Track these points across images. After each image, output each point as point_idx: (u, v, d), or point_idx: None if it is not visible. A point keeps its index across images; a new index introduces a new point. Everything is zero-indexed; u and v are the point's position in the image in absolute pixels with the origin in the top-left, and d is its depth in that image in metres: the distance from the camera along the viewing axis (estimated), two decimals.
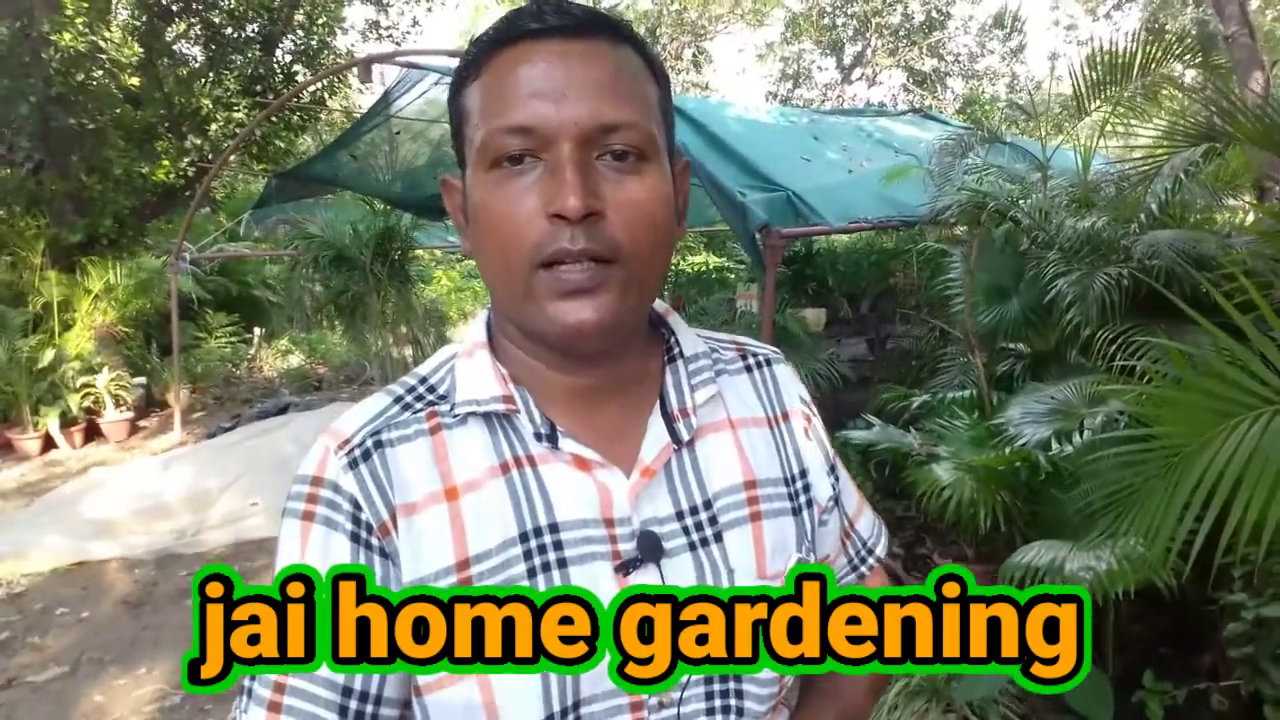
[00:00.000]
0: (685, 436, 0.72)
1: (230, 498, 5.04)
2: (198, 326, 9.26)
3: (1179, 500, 1.86)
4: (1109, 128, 4.09)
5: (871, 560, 0.87)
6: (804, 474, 0.79)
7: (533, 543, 0.66)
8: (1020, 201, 3.72)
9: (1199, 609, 2.34)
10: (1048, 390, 3.03)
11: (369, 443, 0.67)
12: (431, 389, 0.72)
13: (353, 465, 0.66)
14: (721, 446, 0.74)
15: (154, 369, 8.29)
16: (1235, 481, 1.77)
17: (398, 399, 0.71)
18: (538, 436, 0.68)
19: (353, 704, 0.63)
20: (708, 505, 0.71)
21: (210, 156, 8.13)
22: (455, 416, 0.69)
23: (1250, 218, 4.48)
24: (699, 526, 0.70)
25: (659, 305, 0.78)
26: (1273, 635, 1.98)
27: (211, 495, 5.06)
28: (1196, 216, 3.75)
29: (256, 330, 10.25)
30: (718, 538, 0.70)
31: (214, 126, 8.24)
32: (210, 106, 8.16)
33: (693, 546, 0.69)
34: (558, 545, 0.66)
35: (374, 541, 0.65)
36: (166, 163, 8.13)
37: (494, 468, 0.68)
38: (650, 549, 0.67)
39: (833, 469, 0.83)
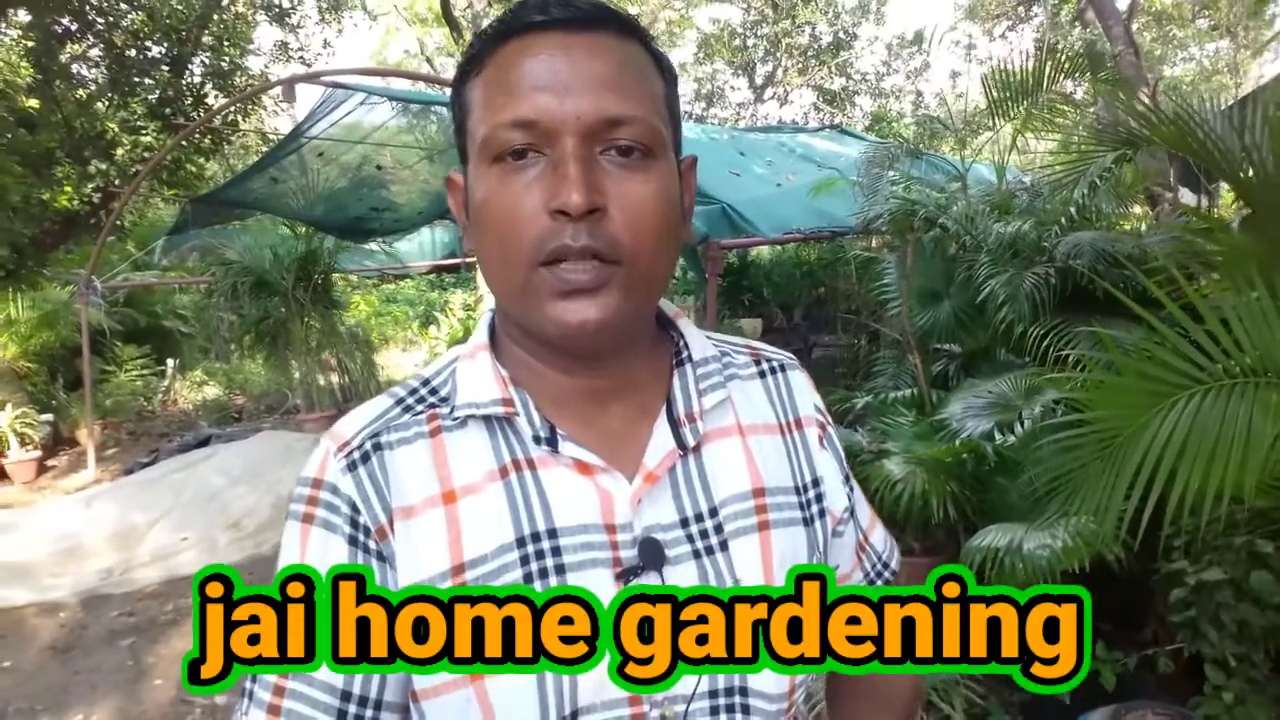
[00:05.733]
0: (691, 442, 0.69)
1: (159, 533, 4.82)
2: (105, 360, 8.82)
3: (1123, 478, 1.98)
4: (1021, 138, 4.34)
5: (888, 574, 0.86)
6: (816, 483, 0.77)
7: (530, 548, 0.64)
8: (948, 209, 3.90)
9: (1139, 585, 2.49)
10: (985, 385, 3.18)
11: (368, 445, 0.67)
12: (433, 391, 0.71)
13: (351, 468, 0.66)
14: (729, 453, 0.72)
15: (61, 405, 7.87)
16: (1175, 457, 1.90)
17: (399, 401, 0.70)
18: (537, 440, 0.67)
19: (351, 708, 0.63)
20: (713, 513, 0.69)
21: (117, 181, 7.80)
22: (455, 419, 0.68)
23: (1144, 224, 4.81)
24: (704, 534, 0.68)
25: (669, 308, 0.76)
26: (1212, 598, 2.12)
27: (139, 531, 4.82)
28: (1103, 221, 4.00)
29: (170, 362, 9.83)
30: (723, 546, 0.69)
31: (120, 151, 7.91)
32: (115, 130, 7.83)
33: (697, 555, 0.67)
34: (556, 551, 0.65)
35: (371, 545, 0.65)
36: (69, 189, 7.77)
37: (492, 471, 0.66)
38: (652, 556, 0.65)
39: (847, 479, 0.81)
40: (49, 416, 7.54)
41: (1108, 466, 2.07)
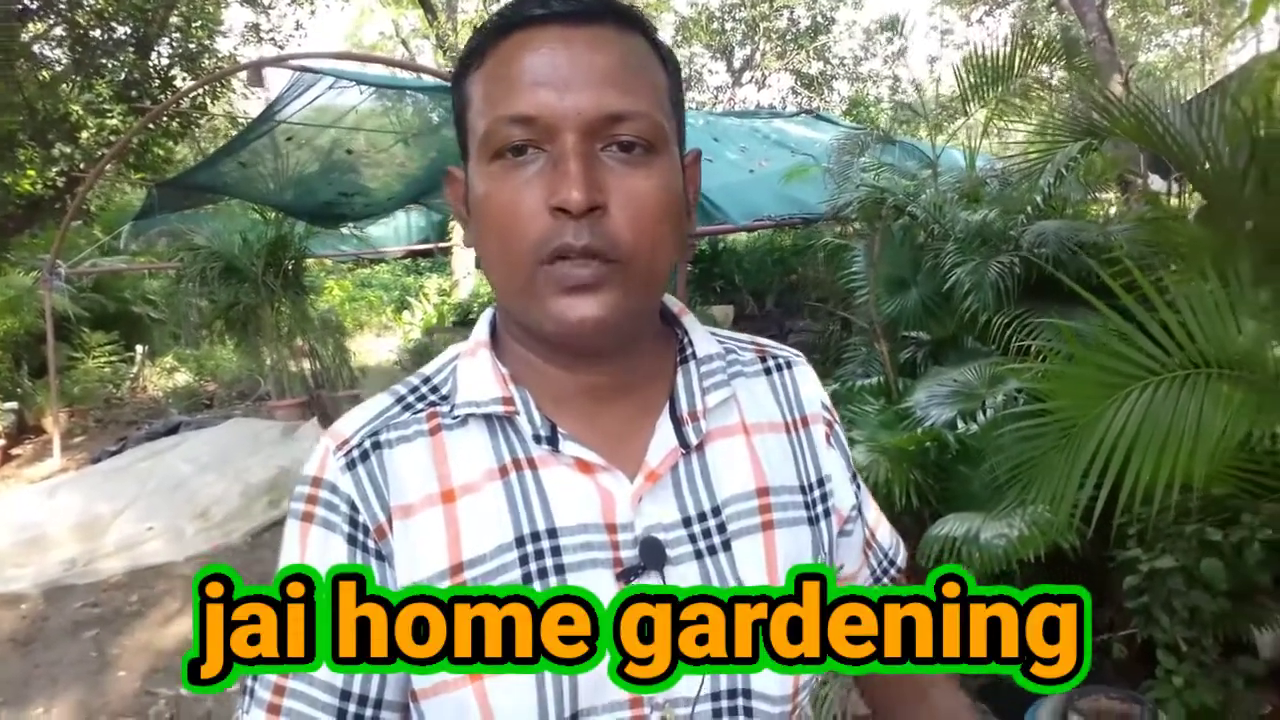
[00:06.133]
0: (694, 440, 0.69)
1: (124, 523, 4.77)
2: (73, 346, 8.69)
3: (1079, 467, 2.00)
4: (992, 126, 4.35)
5: (894, 571, 0.84)
6: (822, 482, 0.76)
7: (529, 548, 0.64)
8: (917, 197, 3.91)
9: (1096, 569, 2.52)
10: (950, 374, 3.20)
11: (367, 443, 0.67)
12: (434, 389, 0.71)
13: (350, 466, 0.66)
14: (733, 451, 0.71)
15: (25, 393, 7.76)
16: (1128, 447, 1.92)
17: (399, 399, 0.70)
18: (537, 439, 0.66)
19: (351, 707, 0.63)
20: (716, 512, 0.68)
21: (82, 165, 7.68)
22: (455, 418, 0.68)
23: (1114, 210, 4.86)
24: (706, 534, 0.68)
25: (674, 304, 0.76)
26: (1164, 585, 2.15)
27: (103, 522, 4.77)
28: (1072, 209, 4.04)
29: (139, 348, 9.70)
30: (725, 546, 0.68)
31: (85, 134, 7.78)
32: (80, 113, 7.69)
33: (699, 555, 0.67)
34: (555, 551, 0.64)
35: (370, 544, 0.64)
36: (32, 172, 7.64)
37: (492, 470, 0.66)
38: (653, 556, 0.65)
39: (854, 477, 0.80)
40: (13, 405, 7.43)
41: (1065, 456, 2.09)
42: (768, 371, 0.78)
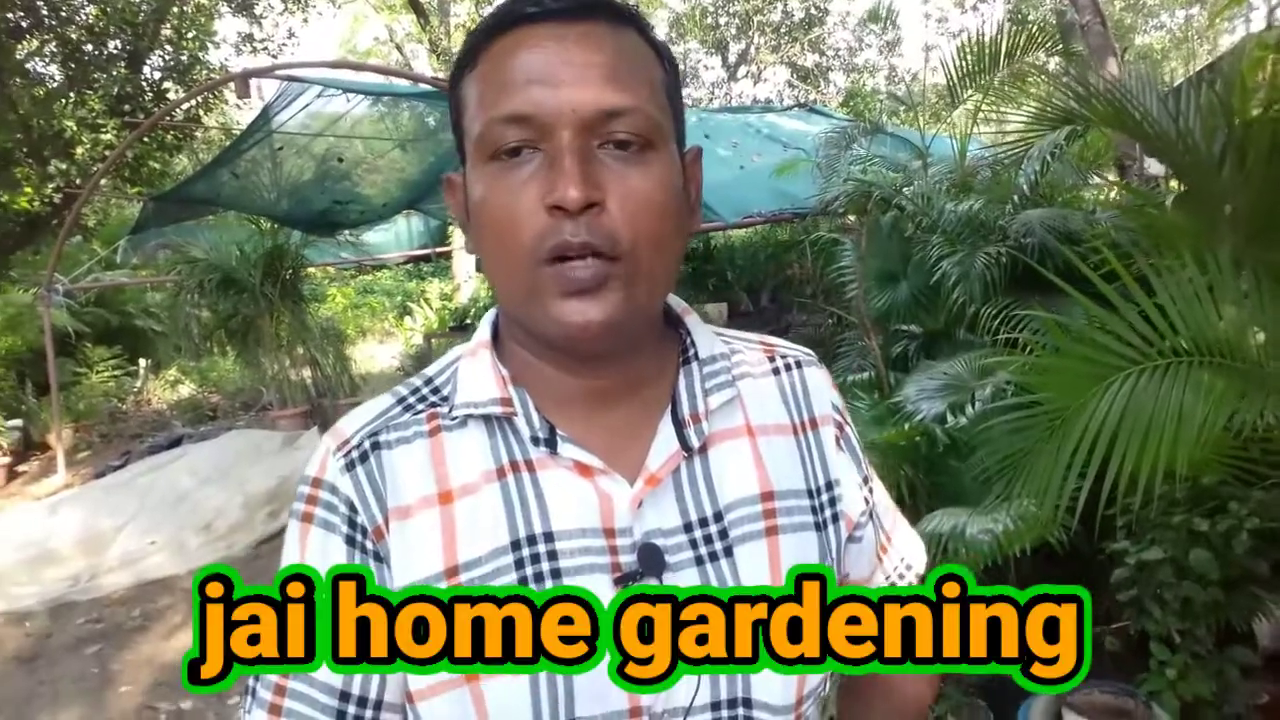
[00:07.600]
0: (695, 443, 0.67)
1: (127, 538, 4.79)
2: (76, 361, 8.75)
3: (1063, 459, 1.98)
4: (981, 114, 4.32)
5: (911, 576, 0.82)
6: (830, 486, 0.74)
7: (525, 551, 0.63)
8: (904, 189, 3.89)
9: (1089, 562, 2.50)
10: (940, 367, 3.17)
11: (366, 444, 0.66)
12: (435, 390, 0.70)
13: (350, 467, 0.66)
14: (737, 455, 0.70)
15: (30, 410, 7.80)
16: (1111, 437, 1.90)
17: (400, 399, 0.70)
18: (535, 440, 0.65)
19: (351, 708, 0.63)
20: (718, 517, 0.67)
21: (78, 181, 7.70)
22: (455, 419, 0.67)
23: (1114, 194, 4.82)
24: (708, 540, 0.67)
25: (677, 304, 0.75)
26: (1154, 577, 2.13)
27: (106, 537, 4.79)
28: (1065, 195, 4.01)
29: (142, 362, 9.75)
30: (728, 552, 0.67)
31: (80, 149, 7.79)
32: (74, 128, 7.70)
33: (700, 561, 0.66)
34: (552, 555, 0.63)
35: (368, 545, 0.64)
36: (29, 190, 7.66)
37: (490, 472, 0.66)
38: (652, 562, 0.64)
39: (866, 480, 0.78)
40: (18, 422, 7.47)
41: (1051, 448, 2.07)
42: (776, 372, 0.76)
